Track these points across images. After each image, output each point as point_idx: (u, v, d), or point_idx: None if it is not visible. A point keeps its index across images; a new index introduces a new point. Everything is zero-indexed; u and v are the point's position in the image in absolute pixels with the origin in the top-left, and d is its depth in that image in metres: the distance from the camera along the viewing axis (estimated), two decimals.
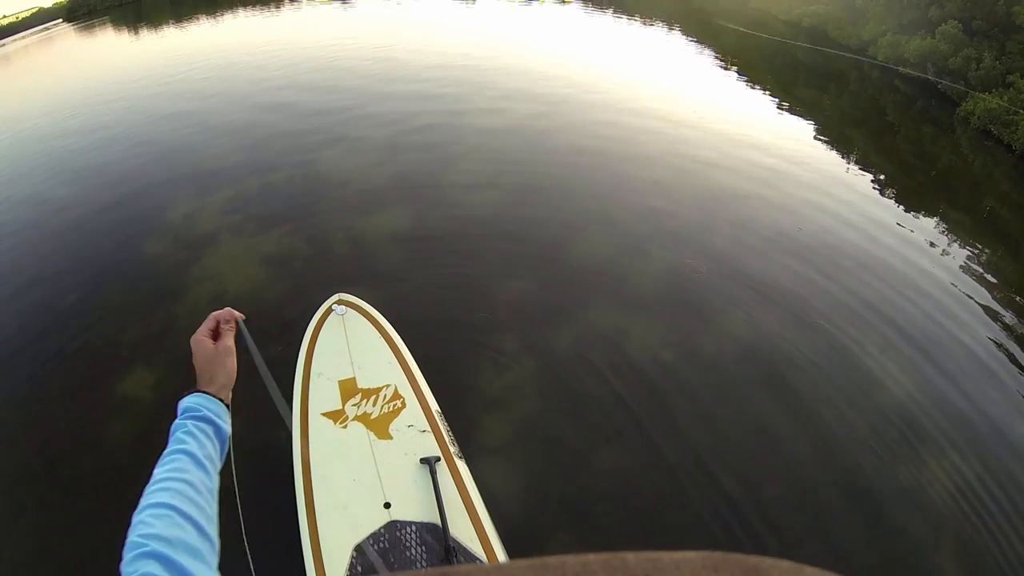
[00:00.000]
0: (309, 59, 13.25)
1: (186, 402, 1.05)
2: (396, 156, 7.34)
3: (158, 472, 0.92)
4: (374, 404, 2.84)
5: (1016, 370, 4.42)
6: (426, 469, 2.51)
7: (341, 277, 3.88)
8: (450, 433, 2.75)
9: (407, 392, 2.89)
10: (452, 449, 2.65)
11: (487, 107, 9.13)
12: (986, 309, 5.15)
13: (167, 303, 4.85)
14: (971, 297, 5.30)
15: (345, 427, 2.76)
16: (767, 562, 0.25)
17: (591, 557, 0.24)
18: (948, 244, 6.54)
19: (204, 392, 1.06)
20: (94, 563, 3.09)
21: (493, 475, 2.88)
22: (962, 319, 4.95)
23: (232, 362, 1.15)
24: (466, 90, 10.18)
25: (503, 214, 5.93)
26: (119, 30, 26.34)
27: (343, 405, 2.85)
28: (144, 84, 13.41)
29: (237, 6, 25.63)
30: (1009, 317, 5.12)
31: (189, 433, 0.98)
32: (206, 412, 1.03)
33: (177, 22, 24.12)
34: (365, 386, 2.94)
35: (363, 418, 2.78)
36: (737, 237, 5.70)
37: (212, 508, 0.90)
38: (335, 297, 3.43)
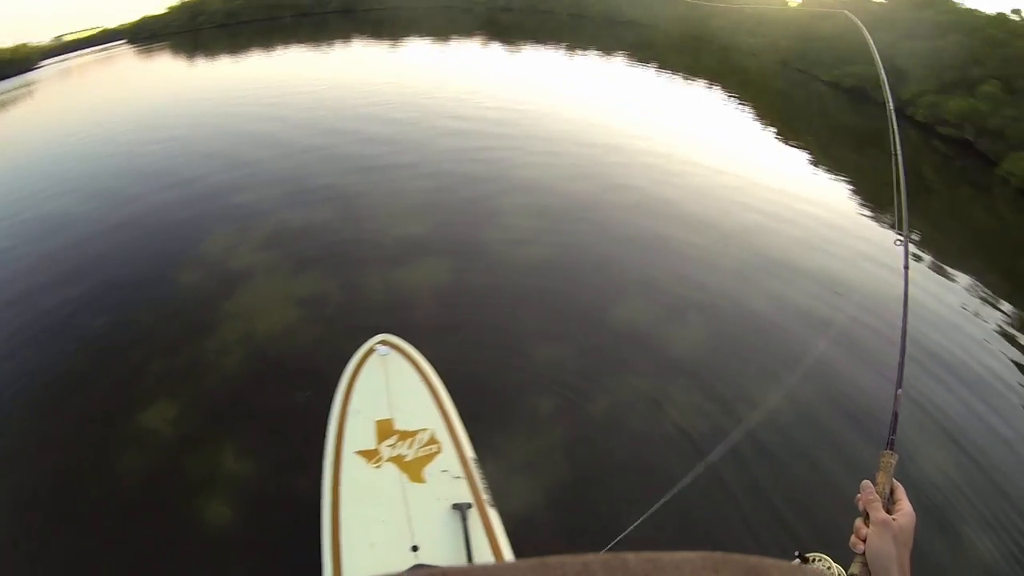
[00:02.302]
0: (354, 102, 13.35)
1: None
2: (437, 205, 7.33)
3: None
4: (410, 447, 2.84)
5: None
6: (458, 515, 2.49)
7: (375, 326, 3.88)
8: (484, 481, 2.73)
9: (444, 437, 2.90)
10: (485, 497, 2.64)
11: (530, 161, 9.12)
12: None
13: (197, 337, 4.80)
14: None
15: (379, 467, 2.76)
16: (767, 562, 0.25)
17: (591, 557, 0.24)
18: (984, 307, 6.48)
19: None
20: None
21: (520, 529, 2.83)
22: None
23: None
24: (508, 144, 10.12)
25: (543, 271, 5.89)
26: (176, 55, 27.59)
27: (378, 445, 2.86)
28: (193, 112, 13.88)
29: (291, 41, 26.68)
30: None
31: None
32: None
33: (232, 53, 25.16)
34: (402, 428, 2.95)
35: (397, 460, 2.79)
36: (776, 306, 5.62)
37: None
38: (379, 337, 3.46)
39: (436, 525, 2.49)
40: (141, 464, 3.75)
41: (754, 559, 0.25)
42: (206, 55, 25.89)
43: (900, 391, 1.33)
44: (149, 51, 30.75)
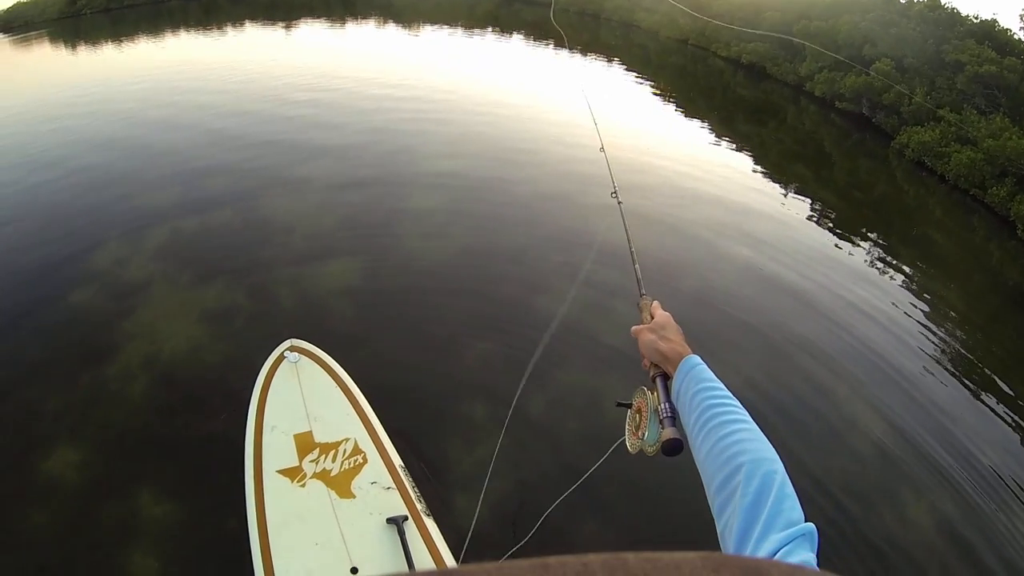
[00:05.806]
0: (253, 92, 12.36)
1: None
2: (342, 198, 6.94)
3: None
4: (333, 460, 2.68)
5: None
6: (393, 529, 2.38)
7: (287, 336, 3.66)
8: (416, 490, 2.62)
9: (368, 446, 2.75)
10: (419, 507, 2.53)
11: (439, 151, 8.74)
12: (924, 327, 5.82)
13: (95, 365, 4.27)
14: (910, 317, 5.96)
15: (304, 486, 2.59)
16: (767, 562, 0.25)
17: (591, 557, 0.24)
18: (887, 269, 6.95)
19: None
20: None
21: (462, 540, 2.73)
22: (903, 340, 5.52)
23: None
24: (412, 132, 9.69)
25: (460, 264, 5.72)
26: (56, 46, 24.96)
27: (300, 461, 2.68)
28: (76, 105, 11.90)
29: (180, 26, 24.74)
30: (942, 333, 5.85)
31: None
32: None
33: (116, 40, 23.08)
34: (323, 440, 2.78)
35: (323, 475, 2.62)
36: (705, 278, 5.93)
37: None
38: (287, 343, 3.26)
39: (373, 543, 2.37)
40: (49, 520, 3.28)
41: (753, 559, 0.24)
42: (87, 43, 23.61)
43: (637, 267, 1.59)
44: (25, 41, 27.79)
